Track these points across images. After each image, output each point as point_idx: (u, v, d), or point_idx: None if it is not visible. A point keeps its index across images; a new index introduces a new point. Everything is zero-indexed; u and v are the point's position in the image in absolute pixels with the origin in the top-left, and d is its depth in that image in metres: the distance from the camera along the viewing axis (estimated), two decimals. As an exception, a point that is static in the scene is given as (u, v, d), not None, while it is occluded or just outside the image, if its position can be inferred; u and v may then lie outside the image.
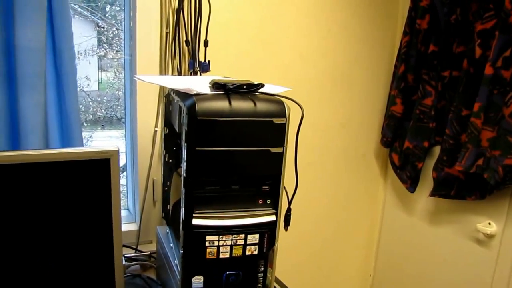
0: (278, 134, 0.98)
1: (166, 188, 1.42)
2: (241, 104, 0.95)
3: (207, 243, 0.99)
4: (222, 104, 0.93)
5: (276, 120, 0.97)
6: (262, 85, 1.00)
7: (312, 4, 1.86)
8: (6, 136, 1.37)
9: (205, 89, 1.00)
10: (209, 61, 1.61)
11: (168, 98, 1.33)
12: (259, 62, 1.80)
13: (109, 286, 1.21)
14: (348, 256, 2.35)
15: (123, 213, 1.83)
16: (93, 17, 2.51)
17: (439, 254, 1.99)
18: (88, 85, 2.69)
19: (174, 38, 1.58)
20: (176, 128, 1.19)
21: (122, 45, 2.43)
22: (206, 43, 1.59)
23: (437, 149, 1.87)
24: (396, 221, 2.23)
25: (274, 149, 0.98)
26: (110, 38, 2.59)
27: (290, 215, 1.09)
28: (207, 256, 1.00)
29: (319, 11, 1.88)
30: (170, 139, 1.34)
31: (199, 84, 1.04)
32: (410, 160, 1.96)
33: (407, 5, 1.92)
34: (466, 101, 1.67)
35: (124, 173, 1.86)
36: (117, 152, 1.10)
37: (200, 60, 1.61)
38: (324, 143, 2.06)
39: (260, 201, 1.03)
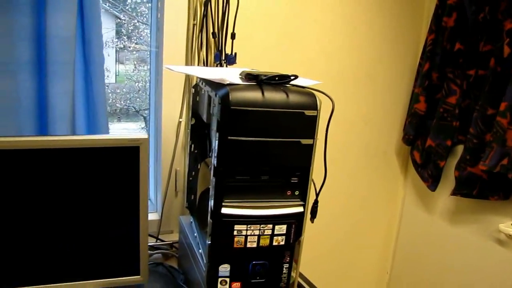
0: (309, 126, 0.99)
1: (190, 178, 1.43)
2: (274, 95, 0.95)
3: (235, 232, 1.00)
4: (255, 95, 0.94)
5: (308, 112, 0.97)
6: (296, 77, 1.00)
7: (337, 1, 1.86)
8: (34, 122, 1.39)
9: (237, 80, 1.00)
10: (235, 54, 1.61)
11: (196, 88, 1.34)
12: (284, 57, 1.80)
13: (134, 272, 1.22)
14: (365, 253, 2.35)
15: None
16: (113, 10, 2.51)
17: (459, 254, 1.98)
18: (108, 76, 2.64)
19: (201, 30, 1.59)
20: (204, 119, 1.20)
21: (143, 37, 2.43)
22: (233, 36, 1.60)
23: (460, 148, 1.86)
24: (416, 219, 2.22)
25: (304, 141, 0.99)
26: (130, 30, 2.59)
27: (317, 207, 1.09)
28: (235, 245, 1.01)
29: (345, 8, 1.88)
30: (197, 130, 1.35)
31: (230, 75, 1.05)
32: (432, 159, 1.95)
33: (434, 3, 1.91)
34: (492, 100, 1.66)
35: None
36: (147, 140, 1.12)
37: (226, 52, 1.61)
38: (345, 139, 2.06)
39: (289, 192, 1.03)
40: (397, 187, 2.29)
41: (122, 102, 2.83)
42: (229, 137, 0.94)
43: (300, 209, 1.04)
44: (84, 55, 1.44)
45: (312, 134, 0.99)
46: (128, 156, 1.12)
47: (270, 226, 1.01)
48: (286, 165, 1.01)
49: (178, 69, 1.27)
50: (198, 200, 1.30)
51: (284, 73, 1.00)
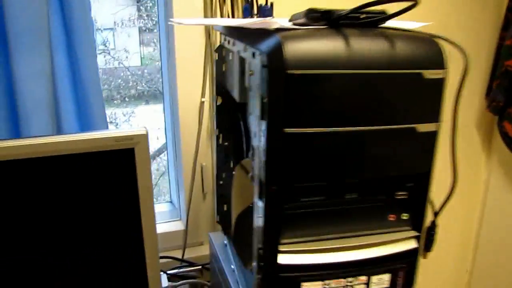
0: (431, 98, 0.54)
1: (221, 182, 1.02)
2: (366, 45, 0.51)
3: (303, 295, 0.57)
4: (330, 46, 0.50)
5: (428, 73, 0.52)
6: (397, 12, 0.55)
7: None
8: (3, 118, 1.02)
9: (290, 25, 0.57)
10: (271, 4, 1.20)
11: (221, 52, 0.91)
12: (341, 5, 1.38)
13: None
14: (439, 248, 1.94)
15: (166, 207, 1.48)
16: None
17: None
18: (127, 57, 2.61)
19: (222, -24, 1.19)
20: (236, 96, 0.77)
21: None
22: (267, -21, 1.19)
23: None
24: (503, 207, 1.82)
25: (422, 127, 0.55)
26: (148, 8, 2.51)
27: (434, 234, 0.66)
28: (304, 315, 0.58)
29: None
30: (226, 113, 0.93)
31: (275, 20, 0.62)
32: (533, 131, 1.52)
33: None
34: None
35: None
36: (145, 137, 0.70)
37: (259, 3, 1.22)
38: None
39: (391, 217, 0.59)
40: (478, 168, 1.87)
41: (143, 84, 2.75)
42: (285, 130, 0.50)
43: (412, 244, 0.60)
44: (64, 19, 1.07)
45: (435, 114, 0.55)
46: (119, 163, 0.71)
47: (364, 278, 0.58)
48: (390, 172, 0.57)
49: (190, 22, 0.85)
50: (234, 224, 0.87)
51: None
